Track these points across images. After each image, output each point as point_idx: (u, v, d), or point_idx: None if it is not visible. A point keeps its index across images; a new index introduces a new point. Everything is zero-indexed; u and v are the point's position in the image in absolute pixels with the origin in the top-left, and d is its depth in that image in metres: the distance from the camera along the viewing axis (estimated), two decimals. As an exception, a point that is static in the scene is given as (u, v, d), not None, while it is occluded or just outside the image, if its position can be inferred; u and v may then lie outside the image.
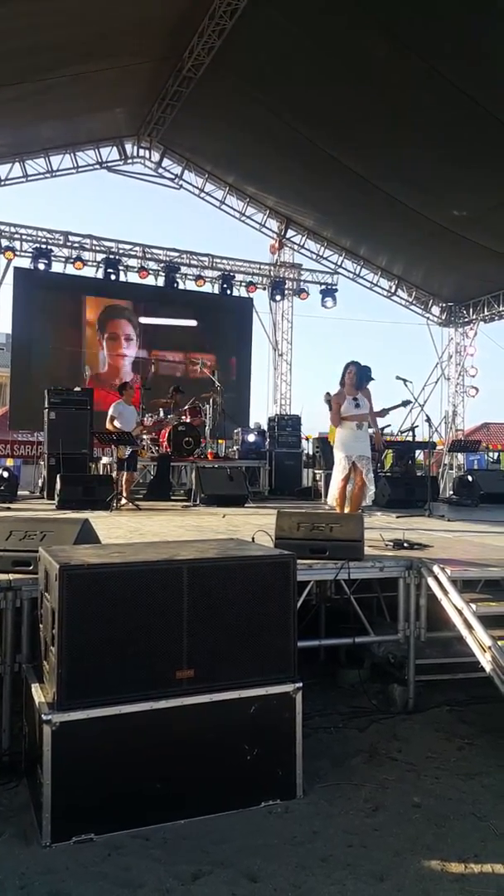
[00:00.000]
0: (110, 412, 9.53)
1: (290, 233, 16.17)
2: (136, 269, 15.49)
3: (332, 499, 6.82)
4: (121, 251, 15.39)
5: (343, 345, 47.24)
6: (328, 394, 7.06)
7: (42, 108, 11.43)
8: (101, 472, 10.26)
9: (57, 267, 14.72)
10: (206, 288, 16.33)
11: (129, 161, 14.68)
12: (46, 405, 10.09)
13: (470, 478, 10.78)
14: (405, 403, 8.67)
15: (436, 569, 4.44)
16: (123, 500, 8.78)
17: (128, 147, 14.44)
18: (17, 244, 14.33)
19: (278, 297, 17.00)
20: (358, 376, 6.71)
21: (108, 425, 9.43)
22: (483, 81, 8.66)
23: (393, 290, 16.73)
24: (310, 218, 15.56)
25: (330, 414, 6.92)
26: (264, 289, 16.94)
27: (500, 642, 3.84)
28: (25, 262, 14.40)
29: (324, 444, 10.76)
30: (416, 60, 8.50)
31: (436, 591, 4.39)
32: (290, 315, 17.53)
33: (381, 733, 4.20)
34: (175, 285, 15.82)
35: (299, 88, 10.24)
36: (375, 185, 11.86)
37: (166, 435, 10.82)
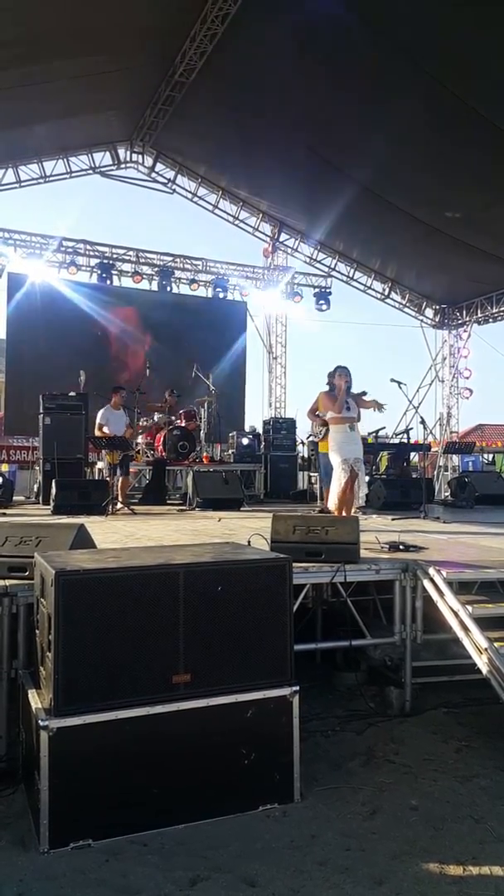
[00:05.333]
0: (98, 419, 9.53)
1: (283, 236, 16.20)
2: (130, 274, 15.49)
3: (332, 505, 6.74)
4: (115, 256, 15.39)
5: (337, 347, 47.29)
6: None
7: (33, 112, 11.43)
8: (96, 477, 10.25)
9: (51, 272, 14.72)
10: (200, 292, 16.37)
11: (123, 166, 14.73)
12: (41, 410, 10.08)
13: (466, 479, 10.80)
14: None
15: (432, 571, 4.44)
16: (119, 505, 8.76)
17: (121, 152, 14.47)
18: (10, 249, 14.32)
19: (272, 301, 17.01)
20: (348, 382, 6.78)
21: (96, 432, 9.44)
22: (472, 83, 8.71)
23: (386, 293, 16.78)
24: (302, 221, 15.59)
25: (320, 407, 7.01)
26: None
27: (496, 644, 3.84)
28: (20, 268, 14.40)
29: (318, 447, 10.77)
30: (405, 63, 8.57)
31: (432, 593, 4.39)
32: (283, 318, 17.59)
33: (378, 736, 4.20)
34: (169, 289, 15.84)
35: (289, 93, 10.28)
36: (367, 187, 11.91)
37: (161, 439, 10.82)
